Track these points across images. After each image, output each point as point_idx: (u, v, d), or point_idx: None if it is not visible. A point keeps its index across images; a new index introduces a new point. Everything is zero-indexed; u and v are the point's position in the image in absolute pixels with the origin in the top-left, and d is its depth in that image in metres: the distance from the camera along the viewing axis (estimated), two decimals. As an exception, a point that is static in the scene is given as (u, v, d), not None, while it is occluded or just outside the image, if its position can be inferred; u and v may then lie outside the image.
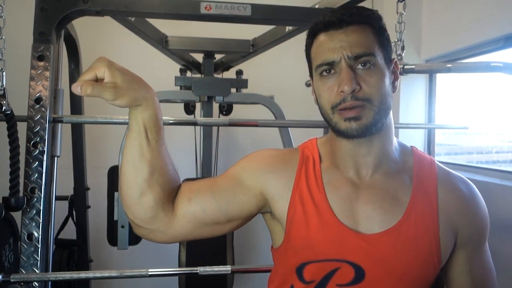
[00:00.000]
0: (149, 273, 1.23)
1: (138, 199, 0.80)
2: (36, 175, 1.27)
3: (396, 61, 0.85)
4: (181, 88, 2.07)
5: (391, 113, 0.83)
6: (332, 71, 0.78)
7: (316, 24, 0.81)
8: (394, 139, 0.87)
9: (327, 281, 0.80)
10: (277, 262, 0.90)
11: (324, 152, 0.88)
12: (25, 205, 1.24)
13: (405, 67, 1.27)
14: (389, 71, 0.81)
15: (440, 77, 2.38)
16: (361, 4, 1.52)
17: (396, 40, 1.31)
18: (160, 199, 0.81)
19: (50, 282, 1.30)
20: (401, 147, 0.89)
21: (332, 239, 0.80)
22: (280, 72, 2.82)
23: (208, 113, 2.19)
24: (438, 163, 0.89)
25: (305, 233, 0.81)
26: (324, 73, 0.79)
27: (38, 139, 1.29)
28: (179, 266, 2.08)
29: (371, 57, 0.77)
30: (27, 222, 1.22)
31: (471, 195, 0.85)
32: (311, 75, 0.85)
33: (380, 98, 0.77)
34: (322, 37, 0.80)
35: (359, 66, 0.76)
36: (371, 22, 0.79)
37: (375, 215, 0.80)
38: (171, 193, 0.84)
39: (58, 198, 1.50)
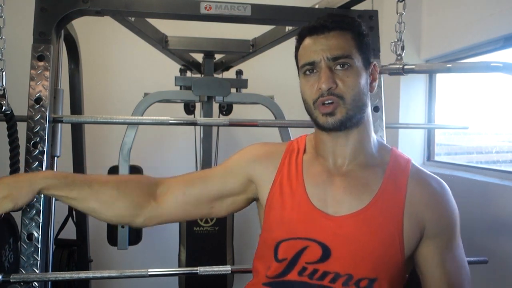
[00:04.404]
0: (149, 273, 1.23)
1: (122, 221, 1.02)
2: (36, 175, 1.27)
3: (375, 64, 0.94)
4: (181, 88, 2.07)
5: (369, 111, 0.93)
6: (315, 70, 0.88)
7: (303, 29, 0.93)
8: (374, 137, 0.96)
9: (297, 259, 0.87)
10: (260, 247, 0.97)
11: (310, 146, 0.99)
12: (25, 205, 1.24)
13: (405, 67, 1.27)
14: (366, 73, 0.90)
15: (440, 77, 2.38)
16: (361, 5, 1.52)
17: (396, 40, 1.31)
18: (132, 208, 0.96)
19: (50, 282, 1.30)
20: (380, 145, 0.97)
21: (303, 219, 0.88)
22: (280, 72, 2.81)
23: (208, 113, 2.19)
24: (414, 163, 0.95)
25: (280, 213, 0.91)
26: (307, 72, 0.90)
27: (38, 139, 1.29)
28: (179, 266, 2.09)
29: (348, 59, 0.87)
30: (27, 222, 1.22)
31: (441, 191, 0.91)
32: (299, 74, 0.95)
33: (353, 96, 0.86)
34: (307, 41, 0.91)
35: (338, 67, 0.87)
36: (351, 28, 0.89)
37: (345, 200, 0.88)
38: (142, 195, 0.97)
39: (58, 198, 1.51)
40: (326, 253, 0.86)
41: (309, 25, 0.91)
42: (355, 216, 0.86)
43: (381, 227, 0.85)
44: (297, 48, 0.95)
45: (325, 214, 0.87)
